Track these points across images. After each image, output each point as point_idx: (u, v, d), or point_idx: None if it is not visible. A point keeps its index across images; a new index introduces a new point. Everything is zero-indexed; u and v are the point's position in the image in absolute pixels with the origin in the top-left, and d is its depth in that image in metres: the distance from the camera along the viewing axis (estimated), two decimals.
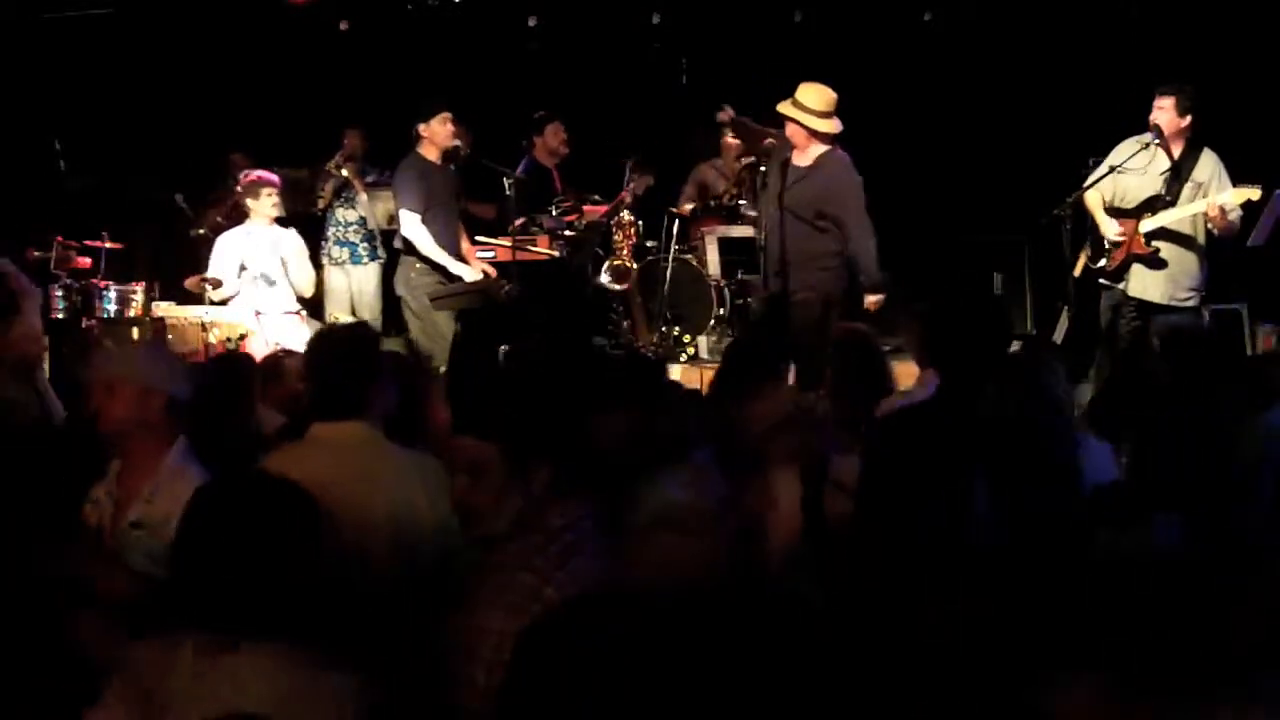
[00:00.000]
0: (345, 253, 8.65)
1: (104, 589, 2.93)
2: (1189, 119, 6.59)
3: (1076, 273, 6.94)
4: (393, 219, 8.06)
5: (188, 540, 2.28)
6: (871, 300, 6.66)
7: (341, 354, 3.38)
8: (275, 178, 7.94)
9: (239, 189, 7.93)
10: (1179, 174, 6.64)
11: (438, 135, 7.40)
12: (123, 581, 2.98)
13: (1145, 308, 6.71)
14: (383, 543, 3.06)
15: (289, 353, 5.84)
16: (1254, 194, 6.41)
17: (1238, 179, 6.55)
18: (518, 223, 7.73)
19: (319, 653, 2.16)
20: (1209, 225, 6.55)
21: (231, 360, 5.36)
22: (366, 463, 3.20)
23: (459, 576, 2.73)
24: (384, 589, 3.01)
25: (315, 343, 3.62)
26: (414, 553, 3.09)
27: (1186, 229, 6.65)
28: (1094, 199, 6.82)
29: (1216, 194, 6.53)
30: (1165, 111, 6.60)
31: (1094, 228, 6.86)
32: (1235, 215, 6.50)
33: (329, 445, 3.22)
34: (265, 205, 7.75)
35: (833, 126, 6.70)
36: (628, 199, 8.50)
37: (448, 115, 7.43)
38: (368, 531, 3.04)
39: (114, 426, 3.28)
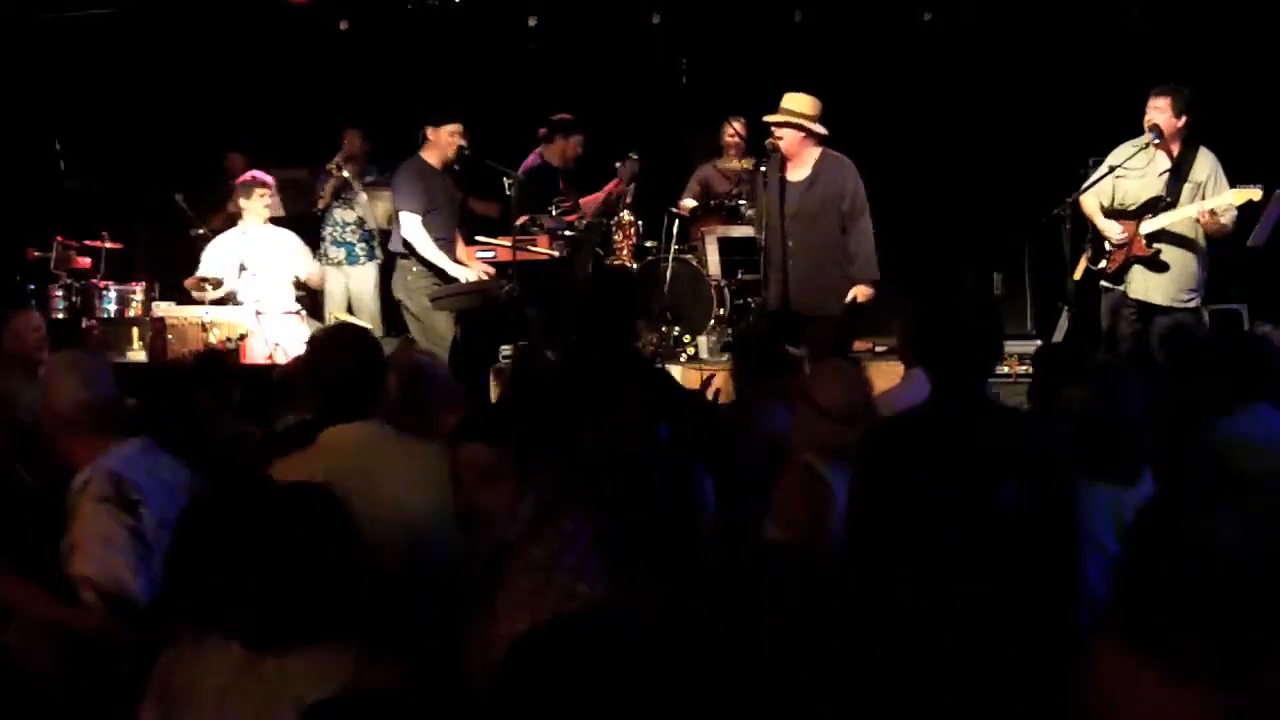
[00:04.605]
0: (342, 253, 8.66)
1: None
2: (1185, 119, 6.59)
3: (1076, 275, 6.93)
4: (393, 219, 8.07)
5: (222, 545, 2.25)
6: (866, 292, 6.62)
7: (343, 355, 3.37)
8: (268, 178, 7.96)
9: (233, 188, 7.94)
10: (1178, 174, 6.64)
11: (442, 143, 7.44)
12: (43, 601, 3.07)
13: (1146, 309, 6.71)
14: (398, 540, 3.02)
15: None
16: (1255, 194, 6.41)
17: (1238, 180, 6.55)
18: (518, 222, 7.74)
19: (363, 654, 2.15)
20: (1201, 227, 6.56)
21: (212, 358, 5.35)
22: (379, 460, 3.17)
23: (472, 580, 2.72)
24: (404, 589, 2.98)
25: (315, 347, 3.60)
26: (429, 550, 3.05)
27: (1187, 230, 6.64)
28: (1091, 203, 6.82)
29: (1215, 193, 6.53)
30: (1162, 112, 6.59)
31: (1094, 230, 6.86)
32: (1229, 217, 6.49)
33: (340, 447, 3.20)
34: (257, 205, 7.77)
35: (824, 131, 6.68)
36: (622, 184, 8.49)
37: (458, 128, 7.46)
38: (382, 530, 3.02)
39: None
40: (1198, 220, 6.50)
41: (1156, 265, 6.67)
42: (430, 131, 7.47)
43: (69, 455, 3.30)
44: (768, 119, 6.70)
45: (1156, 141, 6.59)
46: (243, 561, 2.20)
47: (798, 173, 6.70)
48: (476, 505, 2.67)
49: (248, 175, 7.94)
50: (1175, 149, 6.66)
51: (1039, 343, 7.67)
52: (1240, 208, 6.52)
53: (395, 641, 2.34)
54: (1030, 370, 7.17)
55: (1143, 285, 6.71)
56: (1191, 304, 6.72)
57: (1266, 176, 6.55)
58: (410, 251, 7.41)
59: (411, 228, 7.33)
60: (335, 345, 3.52)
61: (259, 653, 2.16)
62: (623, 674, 1.60)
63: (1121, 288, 6.77)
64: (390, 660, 2.16)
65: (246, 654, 2.17)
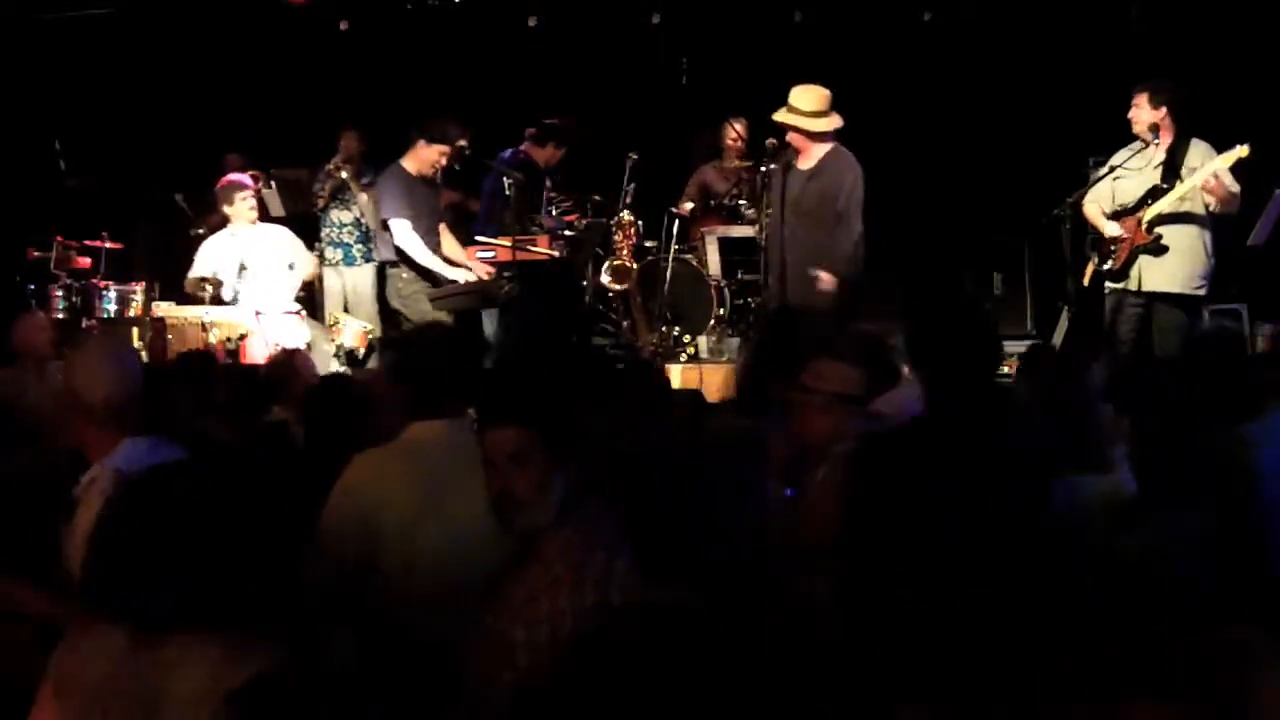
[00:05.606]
0: (339, 254, 8.66)
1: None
2: (1164, 109, 6.64)
3: (1086, 281, 6.92)
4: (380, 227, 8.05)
5: (114, 531, 2.23)
6: (827, 279, 6.43)
7: (438, 352, 3.37)
8: (247, 180, 7.97)
9: (216, 193, 7.96)
10: (1172, 163, 6.66)
11: (428, 157, 7.39)
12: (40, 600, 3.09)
13: (1155, 302, 6.70)
14: (476, 538, 3.00)
15: (295, 352, 5.87)
16: (1243, 152, 6.41)
17: (1235, 176, 6.55)
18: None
19: (250, 642, 2.13)
20: (1209, 202, 6.55)
21: (196, 359, 5.36)
22: (464, 459, 3.11)
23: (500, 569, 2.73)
24: (475, 585, 2.99)
25: (410, 343, 3.60)
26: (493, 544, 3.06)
27: (1189, 217, 6.63)
28: (1092, 209, 6.85)
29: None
30: (1140, 108, 6.67)
31: (1099, 234, 6.87)
32: (1229, 178, 6.48)
33: (426, 444, 3.20)
34: (242, 209, 7.80)
35: (830, 124, 6.63)
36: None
37: (448, 150, 7.40)
38: (462, 528, 3.02)
39: None
40: (1205, 189, 6.48)
41: (1159, 251, 6.65)
42: (421, 144, 7.42)
43: (81, 442, 3.30)
44: (776, 117, 6.71)
45: (1156, 141, 6.63)
46: (135, 545, 2.18)
47: (806, 163, 6.72)
48: (511, 489, 2.67)
49: (225, 180, 7.94)
50: (1167, 140, 6.69)
51: (1038, 343, 7.69)
52: (1243, 208, 6.54)
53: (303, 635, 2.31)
54: None
55: (1152, 277, 6.68)
56: (1201, 291, 6.71)
57: (1266, 175, 6.55)
58: (402, 258, 7.36)
59: (404, 233, 7.28)
60: (431, 342, 3.52)
61: (141, 638, 2.14)
62: (633, 675, 1.61)
63: (1123, 284, 6.76)
64: (257, 654, 2.12)
65: (127, 644, 2.16)
